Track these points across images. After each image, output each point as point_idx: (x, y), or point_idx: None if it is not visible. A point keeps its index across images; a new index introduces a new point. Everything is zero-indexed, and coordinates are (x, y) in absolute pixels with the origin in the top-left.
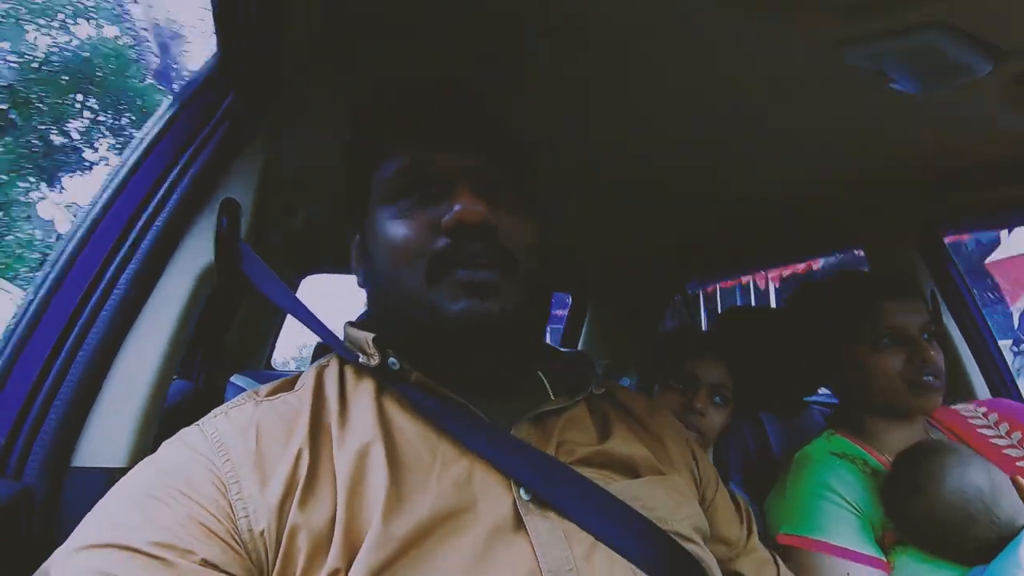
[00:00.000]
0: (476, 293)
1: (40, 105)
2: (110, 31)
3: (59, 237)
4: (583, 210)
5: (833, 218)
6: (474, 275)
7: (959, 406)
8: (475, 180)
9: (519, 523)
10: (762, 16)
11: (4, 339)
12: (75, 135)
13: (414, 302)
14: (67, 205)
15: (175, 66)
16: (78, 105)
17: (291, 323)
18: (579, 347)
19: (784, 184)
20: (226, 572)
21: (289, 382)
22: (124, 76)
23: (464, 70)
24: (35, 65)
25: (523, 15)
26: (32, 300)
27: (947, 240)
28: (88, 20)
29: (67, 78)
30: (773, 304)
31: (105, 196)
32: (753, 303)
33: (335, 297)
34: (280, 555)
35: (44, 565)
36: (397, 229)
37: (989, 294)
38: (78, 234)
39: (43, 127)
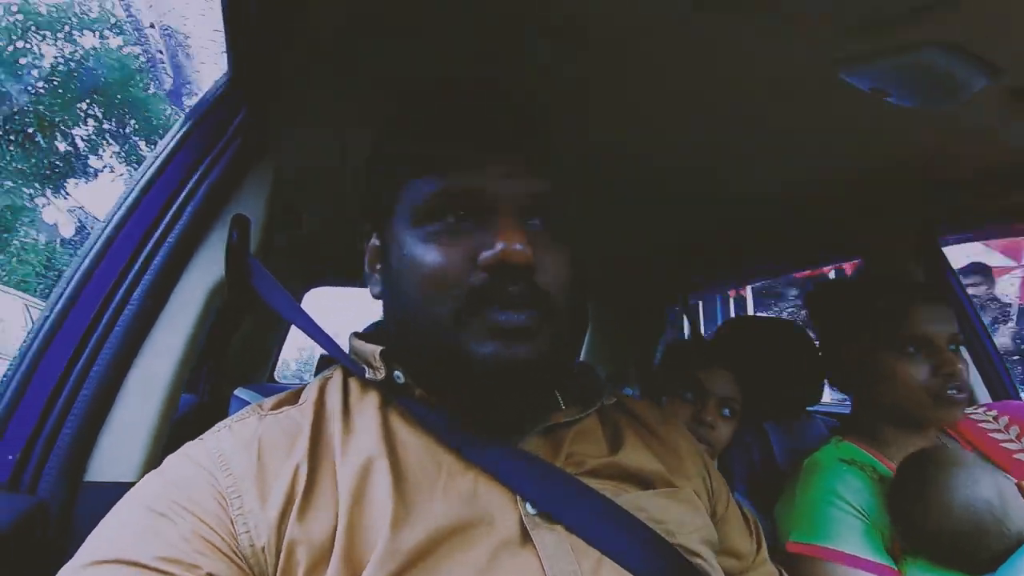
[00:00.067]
0: (506, 336)
1: (55, 118)
2: (114, 42)
3: (63, 242)
4: (583, 210)
5: (833, 219)
6: (509, 318)
7: (969, 409)
8: (517, 210)
9: (526, 537)
10: (762, 16)
11: (20, 355)
12: (79, 142)
13: (440, 335)
14: (69, 210)
15: (187, 85)
16: (82, 113)
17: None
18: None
19: (784, 184)
20: None
21: (293, 395)
22: (127, 87)
23: (464, 70)
24: (52, 80)
25: (523, 15)
26: (47, 316)
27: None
28: (94, 32)
29: (74, 87)
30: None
31: (119, 214)
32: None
33: (339, 310)
34: (279, 570)
35: None
36: (430, 255)
37: None
38: (92, 251)
39: (56, 139)
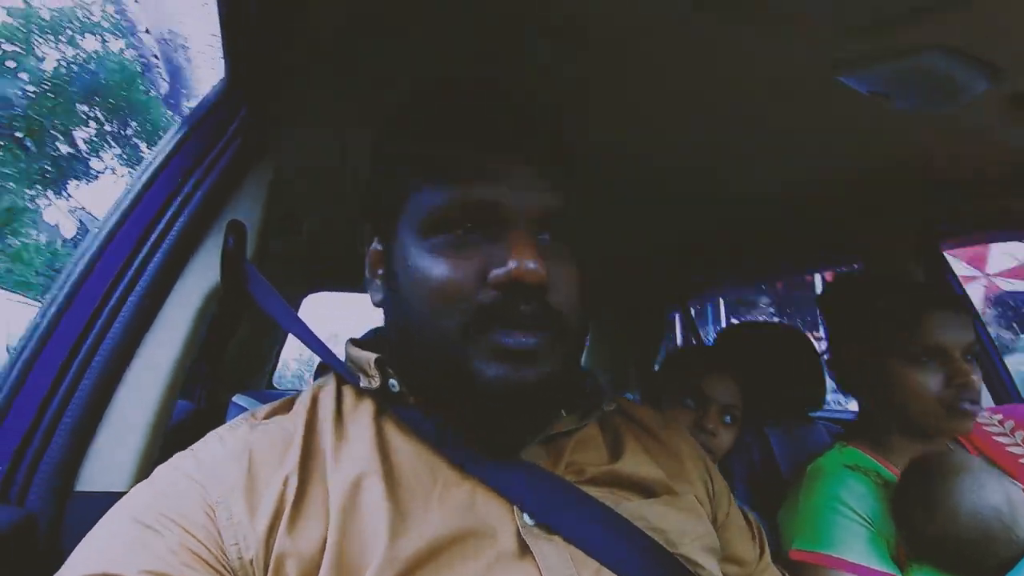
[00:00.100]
0: (514, 359)
1: (53, 120)
2: (115, 45)
3: (64, 242)
4: (582, 210)
5: (832, 219)
6: (518, 341)
7: None
8: (529, 224)
9: (524, 548)
10: (762, 16)
11: (10, 362)
12: (81, 144)
13: (447, 349)
14: (71, 211)
15: (184, 90)
16: (83, 116)
17: None
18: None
19: (784, 184)
20: None
21: (286, 404)
22: (128, 89)
23: (464, 70)
24: (47, 85)
25: (523, 15)
26: (39, 323)
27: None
28: (95, 35)
29: (75, 90)
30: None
31: (114, 219)
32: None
33: (336, 316)
34: None
35: None
36: (437, 268)
37: None
38: (86, 257)
39: (53, 141)
